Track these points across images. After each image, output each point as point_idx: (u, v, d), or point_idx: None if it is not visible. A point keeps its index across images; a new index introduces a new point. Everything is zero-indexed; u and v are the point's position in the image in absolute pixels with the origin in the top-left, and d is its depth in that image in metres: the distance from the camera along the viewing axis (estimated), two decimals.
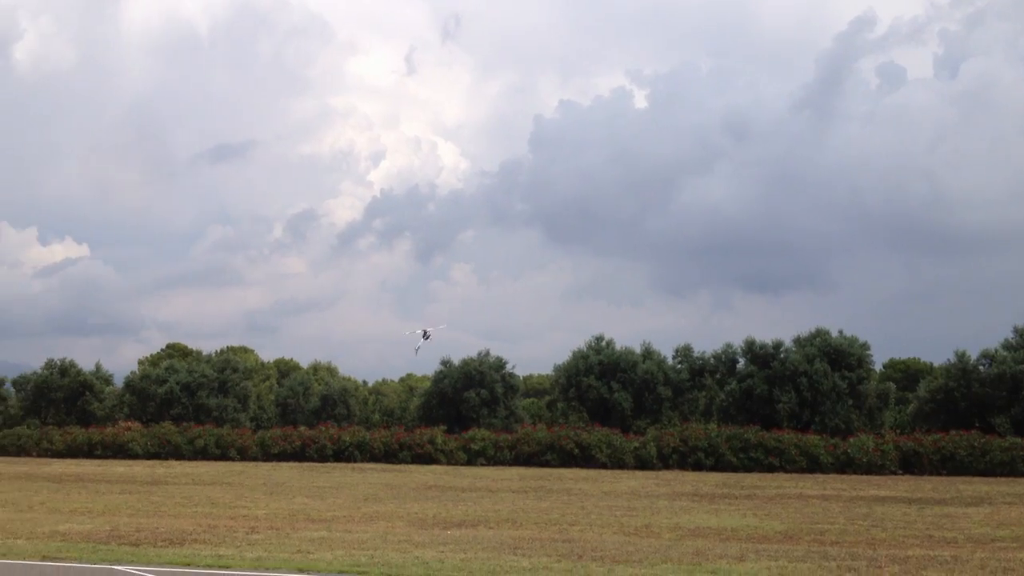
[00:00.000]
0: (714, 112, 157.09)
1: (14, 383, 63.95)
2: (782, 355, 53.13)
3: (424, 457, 48.01)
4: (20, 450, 52.47)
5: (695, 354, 56.49)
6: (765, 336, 56.55)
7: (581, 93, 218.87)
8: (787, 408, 50.97)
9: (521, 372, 63.33)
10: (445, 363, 58.62)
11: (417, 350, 57.18)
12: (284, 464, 47.34)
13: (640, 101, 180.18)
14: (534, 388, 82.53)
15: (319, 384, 65.56)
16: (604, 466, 45.54)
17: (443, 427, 51.94)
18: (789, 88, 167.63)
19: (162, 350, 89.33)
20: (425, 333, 56.66)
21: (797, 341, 53.77)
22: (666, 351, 57.03)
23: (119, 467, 43.85)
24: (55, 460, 49.17)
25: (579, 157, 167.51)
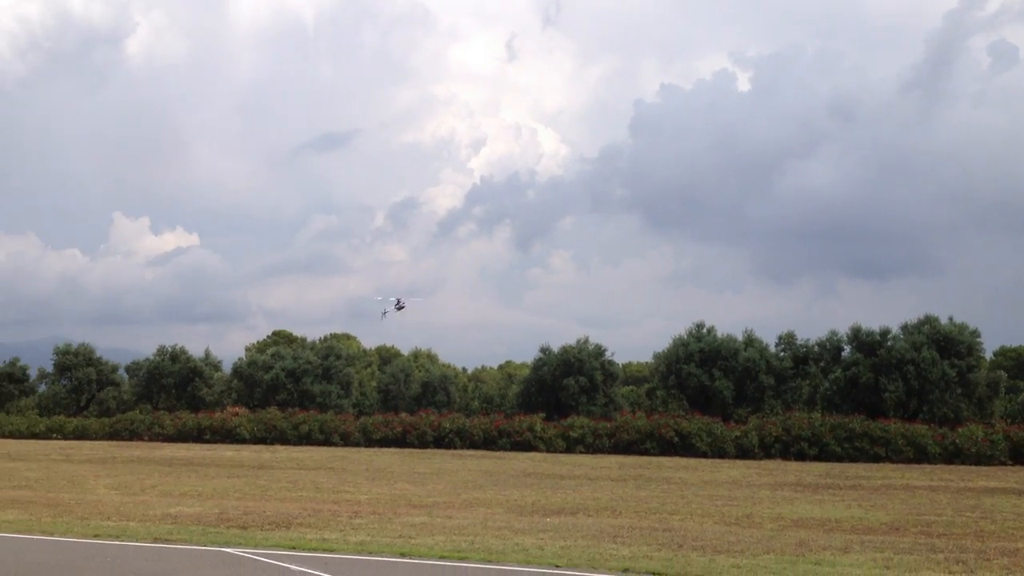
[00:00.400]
0: (819, 95, 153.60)
1: (127, 369, 66.33)
2: (889, 343, 51.74)
3: (523, 444, 48.18)
4: (133, 434, 54.34)
5: (798, 341, 55.43)
6: (871, 323, 55.14)
7: (683, 77, 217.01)
8: (894, 397, 49.64)
9: (620, 359, 62.98)
10: (544, 350, 58.66)
11: (384, 314, 57.61)
12: (385, 450, 48.07)
13: (743, 84, 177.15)
14: (633, 376, 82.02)
15: (420, 371, 66.41)
16: (704, 455, 45.02)
17: (542, 414, 52.03)
18: (897, 69, 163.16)
19: (268, 337, 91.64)
20: (399, 303, 57.01)
21: (904, 328, 52.37)
22: (768, 338, 56.17)
23: (227, 451, 45.12)
24: (166, 444, 50.85)
25: (680, 142, 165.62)
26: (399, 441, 50.25)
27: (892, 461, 42.53)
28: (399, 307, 57.64)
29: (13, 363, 68.39)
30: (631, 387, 69.74)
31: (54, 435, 55.67)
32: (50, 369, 66.48)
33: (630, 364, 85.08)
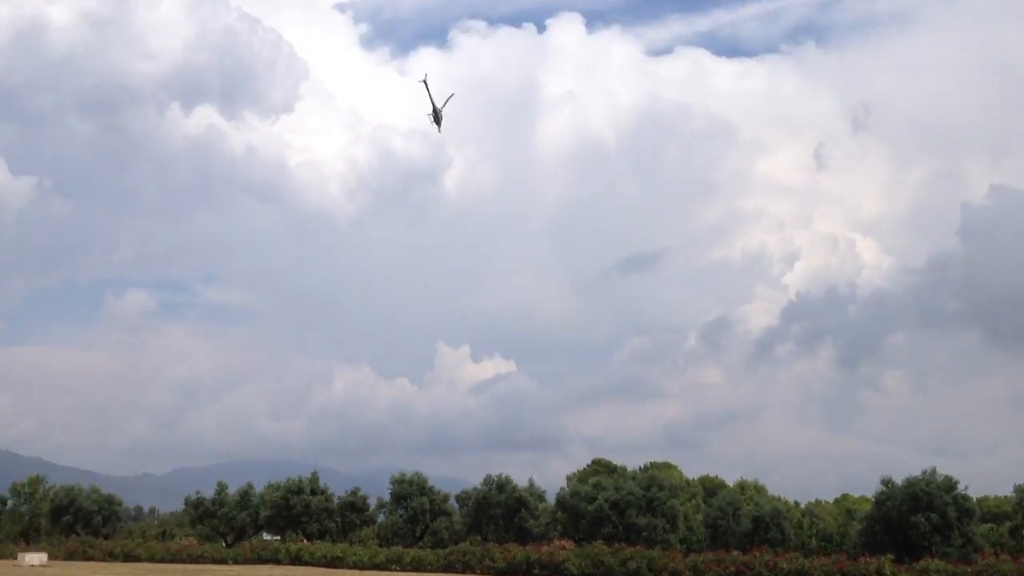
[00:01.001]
0: None
1: (457, 498, 67.80)
2: None
3: None
4: (466, 567, 54.91)
5: None
6: None
7: (1016, 175, 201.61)
8: None
9: (973, 493, 56.29)
10: (886, 483, 53.68)
11: (423, 80, 56.10)
12: None
13: None
14: (990, 512, 73.42)
15: (748, 504, 63.16)
16: None
17: (890, 556, 47.24)
18: None
19: (588, 466, 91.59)
20: (439, 111, 54.07)
21: None
22: None
23: None
24: None
25: (1019, 247, 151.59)
26: None
27: None
28: (437, 117, 56.23)
29: (354, 492, 71.88)
30: (989, 525, 62.39)
31: (393, 566, 57.36)
32: (386, 498, 69.18)
33: (986, 498, 76.39)
